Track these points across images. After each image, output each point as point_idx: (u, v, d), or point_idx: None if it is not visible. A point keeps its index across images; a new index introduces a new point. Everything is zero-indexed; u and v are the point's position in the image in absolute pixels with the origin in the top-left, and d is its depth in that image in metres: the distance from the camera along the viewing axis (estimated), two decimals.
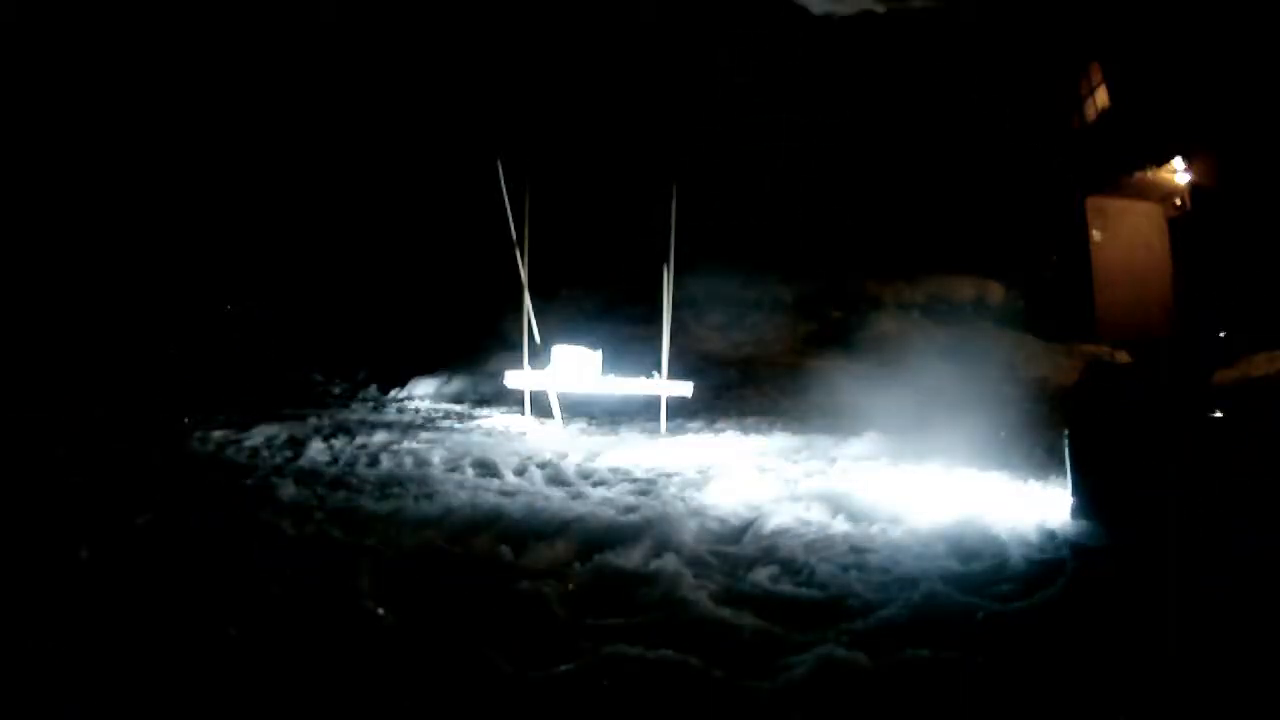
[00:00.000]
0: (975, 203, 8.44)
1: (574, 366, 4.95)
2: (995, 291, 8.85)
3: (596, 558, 2.37)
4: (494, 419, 5.42)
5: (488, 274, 6.63)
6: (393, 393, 6.64)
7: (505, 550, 2.47)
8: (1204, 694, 1.60)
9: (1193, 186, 7.68)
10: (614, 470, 3.72)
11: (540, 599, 2.11)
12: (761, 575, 2.28)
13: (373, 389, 6.80)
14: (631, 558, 2.40)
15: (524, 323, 5.02)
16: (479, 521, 2.82)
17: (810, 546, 2.53)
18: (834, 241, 8.74)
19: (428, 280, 8.61)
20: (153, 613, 1.99)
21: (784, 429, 4.84)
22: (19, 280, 7.55)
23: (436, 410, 5.89)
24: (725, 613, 2.01)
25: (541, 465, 3.76)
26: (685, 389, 4.95)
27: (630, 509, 2.96)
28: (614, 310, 8.30)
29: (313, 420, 4.95)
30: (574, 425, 5.09)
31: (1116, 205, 8.74)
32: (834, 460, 3.92)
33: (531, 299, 5.06)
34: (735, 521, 2.83)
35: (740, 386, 6.67)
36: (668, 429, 4.89)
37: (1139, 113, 7.44)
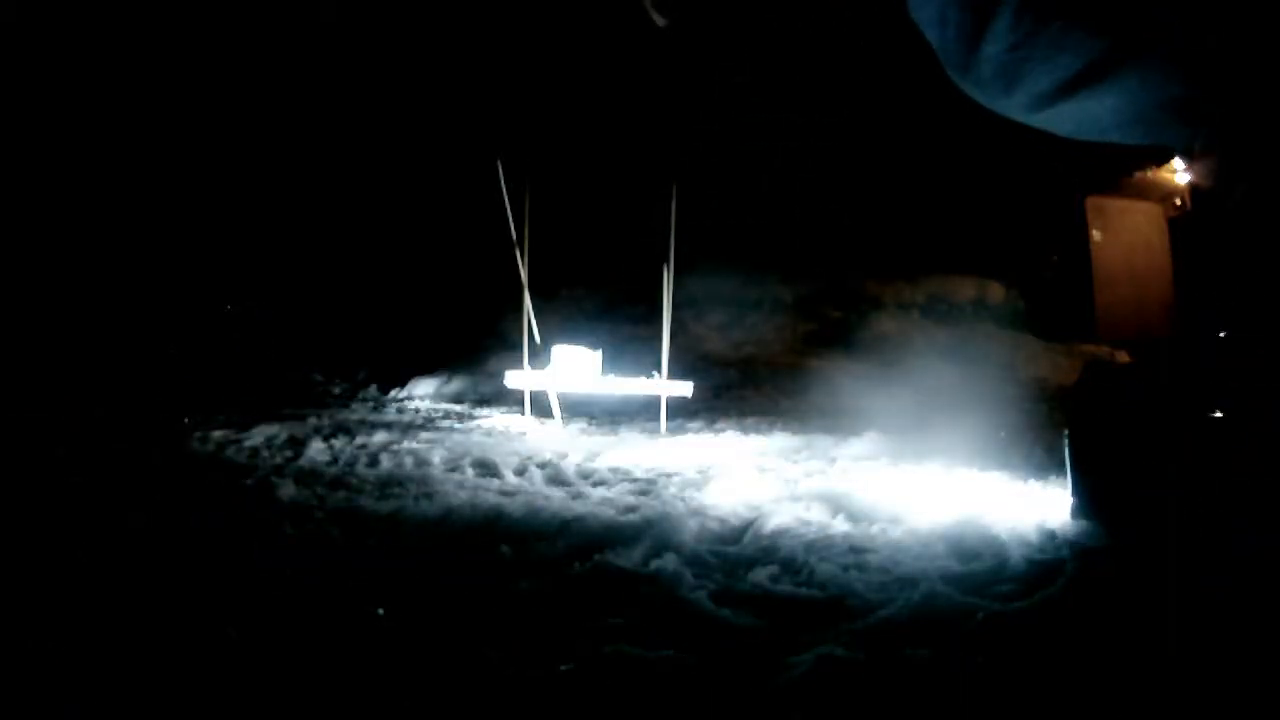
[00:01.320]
0: (975, 203, 8.45)
1: (574, 366, 4.95)
2: (995, 291, 8.86)
3: (596, 557, 2.37)
4: (494, 419, 5.42)
5: (488, 274, 6.63)
6: (393, 393, 6.64)
7: (505, 550, 2.47)
8: (1204, 693, 1.60)
9: (1193, 186, 7.67)
10: (614, 470, 3.72)
11: (540, 599, 2.11)
12: (761, 575, 2.28)
13: (373, 389, 6.81)
14: (631, 557, 2.40)
15: (524, 323, 5.02)
16: (479, 521, 2.82)
17: (810, 546, 2.53)
18: (834, 241, 8.75)
19: (428, 280, 8.62)
20: (152, 613, 1.99)
21: (784, 429, 4.84)
22: (19, 280, 7.55)
23: (436, 410, 5.90)
24: (725, 613, 2.01)
25: (541, 465, 3.76)
26: (685, 389, 4.95)
27: (630, 509, 2.96)
28: (614, 310, 8.31)
29: (313, 420, 4.95)
30: (574, 425, 5.09)
31: (1116, 205, 8.74)
32: (834, 460, 3.92)
33: (531, 299, 5.06)
34: (735, 521, 2.83)
35: (740, 386, 6.67)
36: (668, 429, 4.89)
37: None
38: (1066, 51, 1.33)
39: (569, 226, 7.12)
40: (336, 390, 6.88)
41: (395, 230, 8.86)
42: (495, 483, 3.45)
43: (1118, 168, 8.11)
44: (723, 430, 4.90)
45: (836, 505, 2.95)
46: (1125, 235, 8.85)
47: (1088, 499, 2.62)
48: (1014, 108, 1.56)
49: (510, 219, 4.95)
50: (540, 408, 5.21)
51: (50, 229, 8.04)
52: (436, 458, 3.91)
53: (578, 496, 3.21)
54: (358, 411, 5.69)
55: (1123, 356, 7.13)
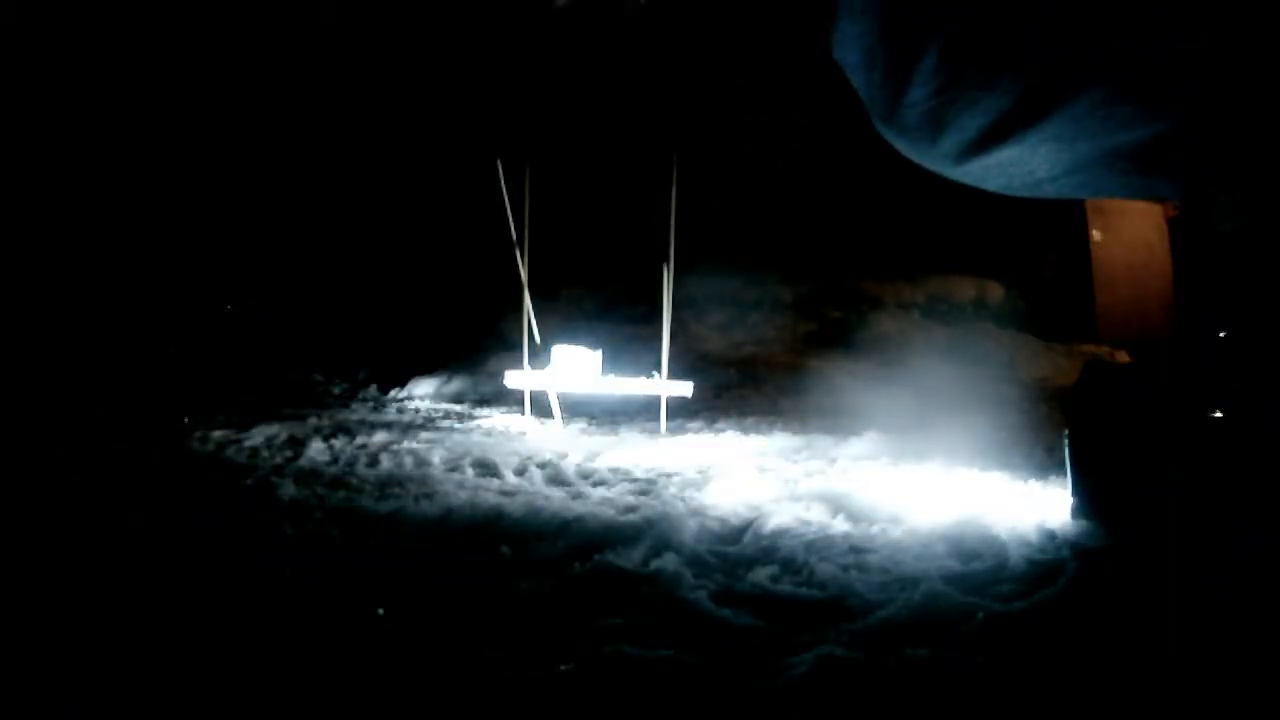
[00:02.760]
0: (975, 202, 8.44)
1: (574, 366, 4.95)
2: (995, 291, 8.85)
3: (596, 557, 2.37)
4: (494, 419, 5.42)
5: (488, 274, 6.63)
6: (393, 393, 6.64)
7: (505, 550, 2.47)
8: (1204, 693, 1.60)
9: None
10: (614, 470, 3.72)
11: (540, 599, 2.11)
12: (761, 575, 2.28)
13: (373, 389, 6.81)
14: (631, 557, 2.40)
15: (524, 323, 5.02)
16: (479, 521, 2.82)
17: (810, 546, 2.53)
18: (834, 241, 8.74)
19: (428, 280, 8.62)
20: (152, 613, 1.99)
21: (784, 429, 4.84)
22: (19, 280, 7.56)
23: (436, 410, 5.89)
24: (725, 612, 2.01)
25: (541, 465, 3.76)
26: (685, 389, 4.95)
27: (630, 509, 2.96)
28: (614, 310, 8.30)
29: (313, 420, 4.95)
30: (574, 425, 5.09)
31: (1116, 205, 8.74)
32: (834, 460, 3.92)
33: (531, 299, 5.05)
34: (735, 521, 2.83)
35: (740, 386, 6.67)
36: (668, 429, 4.89)
37: None
38: (994, 91, 1.23)
39: (569, 226, 7.12)
40: (336, 390, 6.88)
41: (395, 230, 8.86)
42: (495, 483, 3.45)
43: None
44: (723, 430, 4.89)
45: (836, 505, 2.95)
46: (1125, 235, 8.85)
47: (1088, 499, 2.62)
48: (940, 158, 1.45)
49: (510, 219, 4.95)
50: (540, 408, 5.21)
51: (50, 229, 8.04)
52: (436, 458, 3.91)
53: (578, 496, 3.21)
54: (358, 411, 5.68)
55: (1123, 356, 7.13)
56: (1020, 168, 1.35)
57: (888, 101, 1.34)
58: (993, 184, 1.43)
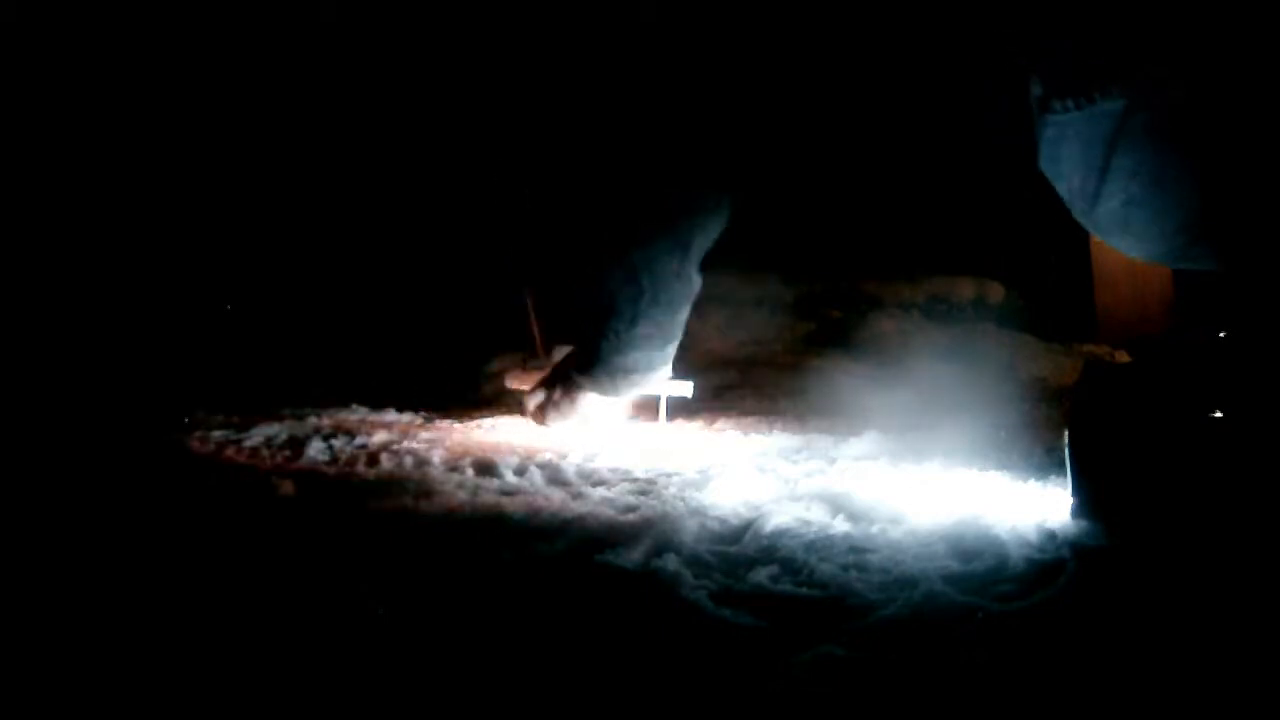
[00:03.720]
0: (976, 203, 8.44)
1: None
2: (995, 291, 8.84)
3: (596, 557, 2.38)
4: (494, 419, 5.41)
5: (488, 274, 6.64)
6: None
7: (505, 550, 2.48)
8: (1204, 693, 1.60)
9: None
10: (614, 470, 3.72)
11: (540, 599, 2.11)
12: (761, 575, 2.28)
13: None
14: (631, 557, 2.40)
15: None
16: (479, 521, 2.83)
17: (810, 546, 2.53)
18: (834, 241, 8.73)
19: (428, 280, 8.62)
20: (152, 613, 1.99)
21: (784, 429, 4.83)
22: (19, 280, 7.56)
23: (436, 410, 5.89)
24: (725, 612, 2.01)
25: (541, 465, 3.76)
26: (685, 389, 4.95)
27: (630, 509, 2.96)
28: None
29: (312, 420, 4.95)
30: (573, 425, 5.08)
31: None
32: (834, 460, 3.91)
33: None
34: (735, 521, 2.83)
35: (740, 386, 6.66)
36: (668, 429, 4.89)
37: None
38: (1168, 211, 1.78)
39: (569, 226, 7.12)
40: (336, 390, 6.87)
41: (395, 231, 8.86)
42: (495, 483, 3.45)
43: None
44: (723, 430, 4.89)
45: (836, 505, 2.95)
46: None
47: (1088, 499, 2.62)
48: (1127, 248, 2.07)
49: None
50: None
51: (50, 228, 8.04)
52: (436, 458, 3.91)
53: (578, 496, 3.21)
54: (358, 411, 5.68)
55: (1123, 356, 7.13)
56: (1181, 255, 1.92)
57: (1085, 204, 2.00)
58: (1171, 264, 2.13)
